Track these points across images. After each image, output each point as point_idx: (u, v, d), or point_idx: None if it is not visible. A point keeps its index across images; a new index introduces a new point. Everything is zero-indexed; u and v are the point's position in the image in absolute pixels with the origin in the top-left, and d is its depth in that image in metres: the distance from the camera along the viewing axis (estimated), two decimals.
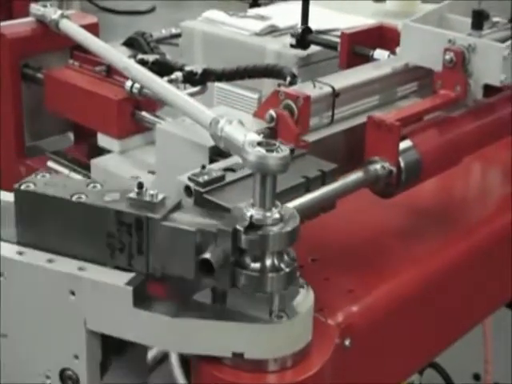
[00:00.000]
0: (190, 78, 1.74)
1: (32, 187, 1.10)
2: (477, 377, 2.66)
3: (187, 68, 1.75)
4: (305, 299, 1.08)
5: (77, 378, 1.10)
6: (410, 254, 1.38)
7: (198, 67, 1.76)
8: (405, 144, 1.34)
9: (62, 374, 1.11)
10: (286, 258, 1.05)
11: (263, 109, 1.45)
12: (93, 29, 1.87)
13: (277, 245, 1.03)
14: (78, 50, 1.85)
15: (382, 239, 1.42)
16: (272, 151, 1.01)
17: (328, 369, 1.09)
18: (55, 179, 1.13)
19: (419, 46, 1.54)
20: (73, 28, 1.81)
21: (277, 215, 1.03)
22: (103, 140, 1.70)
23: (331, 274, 1.28)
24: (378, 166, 1.29)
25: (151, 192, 1.07)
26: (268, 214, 1.03)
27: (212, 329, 1.04)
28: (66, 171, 1.74)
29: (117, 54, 1.66)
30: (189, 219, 1.06)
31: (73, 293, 1.07)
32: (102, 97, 1.68)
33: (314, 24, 2.49)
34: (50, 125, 1.92)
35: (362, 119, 1.45)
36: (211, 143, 1.36)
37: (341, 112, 1.51)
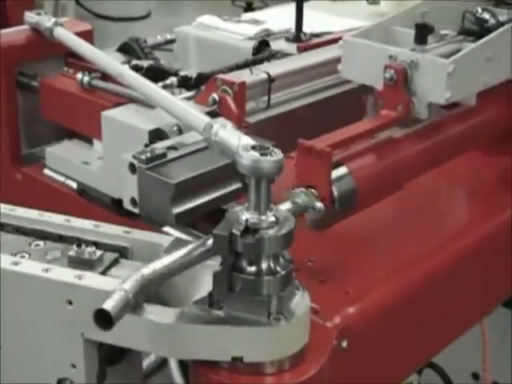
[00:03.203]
0: (185, 83, 1.74)
1: None
2: (476, 376, 2.66)
3: (182, 73, 1.75)
4: (301, 301, 1.08)
5: None
6: (405, 255, 1.38)
7: (192, 72, 1.76)
8: (339, 171, 1.26)
9: None
10: (281, 260, 1.06)
11: (204, 95, 1.51)
12: (87, 36, 1.87)
13: (273, 248, 1.04)
14: (72, 56, 1.85)
15: (378, 241, 1.42)
16: (266, 155, 1.01)
17: (325, 371, 1.09)
18: None
19: (360, 62, 1.45)
20: (67, 35, 1.81)
21: (272, 218, 1.04)
22: (99, 146, 1.70)
23: (328, 276, 1.28)
24: (307, 196, 1.21)
25: (89, 250, 1.14)
26: (263, 217, 1.03)
27: (211, 334, 1.05)
28: (61, 179, 1.74)
29: (111, 61, 1.66)
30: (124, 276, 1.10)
31: (70, 302, 1.07)
32: (96, 103, 1.68)
33: (308, 27, 2.48)
34: (46, 132, 1.92)
35: (298, 103, 1.56)
36: (150, 127, 1.43)
37: (277, 97, 1.56)
